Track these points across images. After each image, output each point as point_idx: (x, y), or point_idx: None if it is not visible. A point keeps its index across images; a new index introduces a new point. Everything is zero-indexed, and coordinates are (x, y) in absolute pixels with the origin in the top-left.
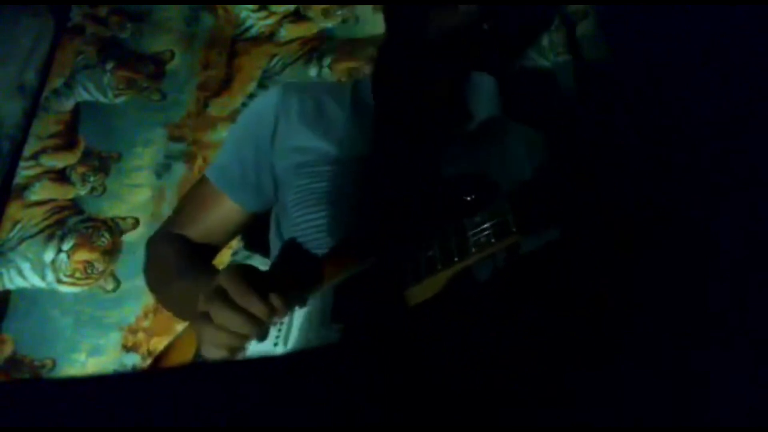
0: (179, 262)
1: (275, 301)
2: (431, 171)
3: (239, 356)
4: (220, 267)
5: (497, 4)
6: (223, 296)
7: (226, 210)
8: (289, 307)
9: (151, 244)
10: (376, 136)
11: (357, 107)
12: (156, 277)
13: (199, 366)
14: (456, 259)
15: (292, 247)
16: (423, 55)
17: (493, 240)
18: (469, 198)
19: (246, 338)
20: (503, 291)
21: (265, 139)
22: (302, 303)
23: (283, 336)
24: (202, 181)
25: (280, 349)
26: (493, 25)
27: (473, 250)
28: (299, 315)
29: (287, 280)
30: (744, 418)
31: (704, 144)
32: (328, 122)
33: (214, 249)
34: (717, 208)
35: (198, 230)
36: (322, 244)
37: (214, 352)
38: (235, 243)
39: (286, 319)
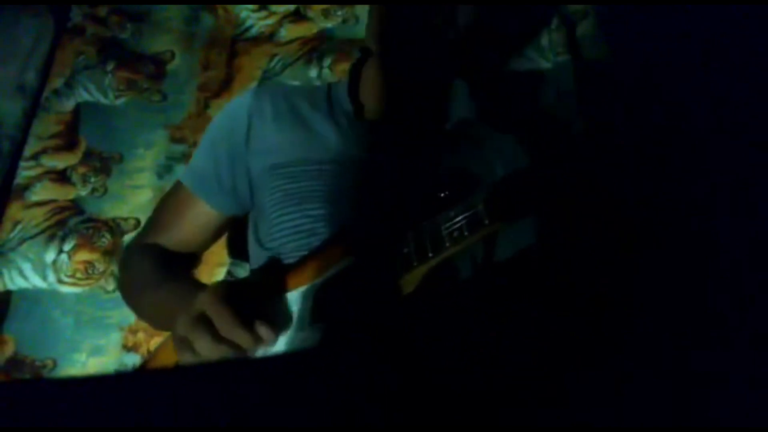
0: (155, 272)
1: (261, 330)
2: (406, 170)
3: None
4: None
5: (498, 4)
6: (205, 324)
7: (202, 215)
8: (275, 334)
9: (125, 255)
10: (351, 137)
11: (332, 109)
12: (131, 288)
13: (198, 366)
14: (431, 254)
15: (271, 250)
16: (400, 58)
17: (466, 233)
18: (443, 195)
19: None
20: (483, 286)
21: (239, 142)
22: (287, 323)
23: None
24: (177, 186)
25: (260, 353)
26: (467, 29)
27: (447, 244)
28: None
29: (268, 287)
30: (744, 418)
31: (704, 144)
32: (303, 123)
33: (192, 257)
34: (717, 207)
35: (174, 237)
36: (299, 246)
37: None
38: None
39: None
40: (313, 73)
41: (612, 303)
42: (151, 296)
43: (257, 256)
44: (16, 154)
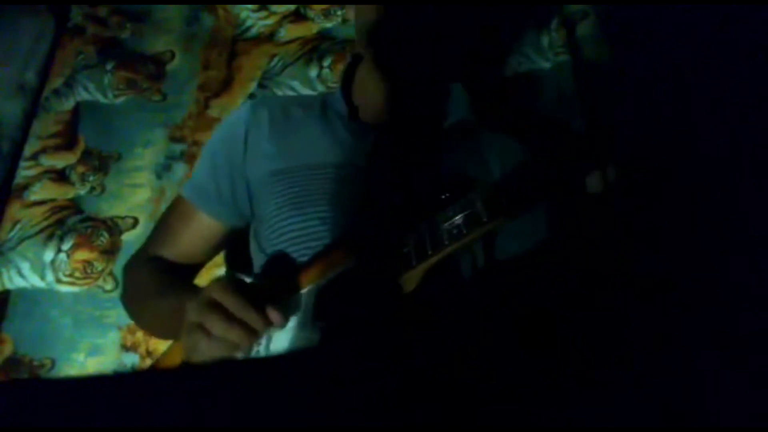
0: (159, 283)
1: (271, 313)
2: (404, 171)
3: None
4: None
5: (498, 4)
6: (218, 308)
7: (203, 227)
8: (285, 319)
9: (128, 268)
10: (347, 141)
11: (327, 115)
12: (135, 301)
13: (199, 366)
14: (430, 252)
15: (273, 256)
16: (391, 60)
17: (465, 231)
18: (444, 197)
19: (242, 349)
20: (483, 284)
21: (237, 154)
22: (288, 314)
23: (264, 343)
24: (178, 200)
25: (262, 354)
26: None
27: (446, 242)
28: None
29: (273, 290)
30: (744, 418)
31: (704, 143)
32: (298, 129)
33: (194, 268)
34: (717, 206)
35: (176, 250)
36: (300, 250)
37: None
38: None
39: None
40: (313, 73)
41: (609, 300)
42: (154, 306)
43: (260, 264)
44: (15, 154)
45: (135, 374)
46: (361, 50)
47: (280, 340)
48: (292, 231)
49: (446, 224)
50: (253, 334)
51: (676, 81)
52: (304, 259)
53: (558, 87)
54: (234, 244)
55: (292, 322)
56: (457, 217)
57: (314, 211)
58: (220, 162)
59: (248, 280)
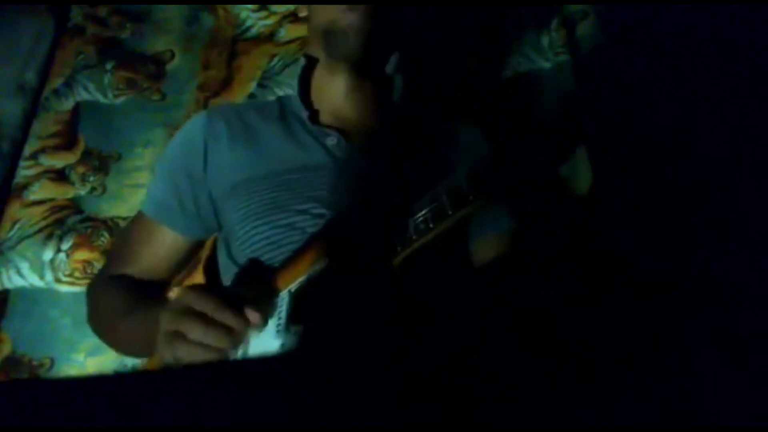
0: (126, 301)
1: (250, 312)
2: (369, 173)
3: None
4: None
5: (498, 4)
6: (193, 313)
7: (168, 242)
8: (264, 319)
9: (92, 291)
10: (307, 145)
11: (286, 119)
12: (103, 322)
13: (199, 366)
14: (399, 248)
15: (244, 266)
16: (352, 57)
17: (431, 224)
18: (404, 195)
19: (223, 352)
20: (485, 288)
21: (197, 167)
22: (266, 316)
23: (242, 351)
24: (139, 217)
25: (252, 353)
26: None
27: (414, 236)
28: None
29: (248, 296)
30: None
31: (704, 143)
32: (257, 138)
33: (160, 285)
34: (717, 206)
35: (141, 266)
36: (271, 257)
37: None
38: None
39: None
40: None
41: (609, 300)
42: (123, 324)
43: (231, 274)
44: (15, 154)
45: (135, 374)
46: (315, 51)
47: (258, 345)
48: (260, 240)
49: (414, 219)
50: (233, 335)
51: (676, 81)
52: (273, 264)
53: (558, 87)
54: (211, 256)
55: (270, 326)
56: (423, 211)
57: (280, 218)
58: (181, 178)
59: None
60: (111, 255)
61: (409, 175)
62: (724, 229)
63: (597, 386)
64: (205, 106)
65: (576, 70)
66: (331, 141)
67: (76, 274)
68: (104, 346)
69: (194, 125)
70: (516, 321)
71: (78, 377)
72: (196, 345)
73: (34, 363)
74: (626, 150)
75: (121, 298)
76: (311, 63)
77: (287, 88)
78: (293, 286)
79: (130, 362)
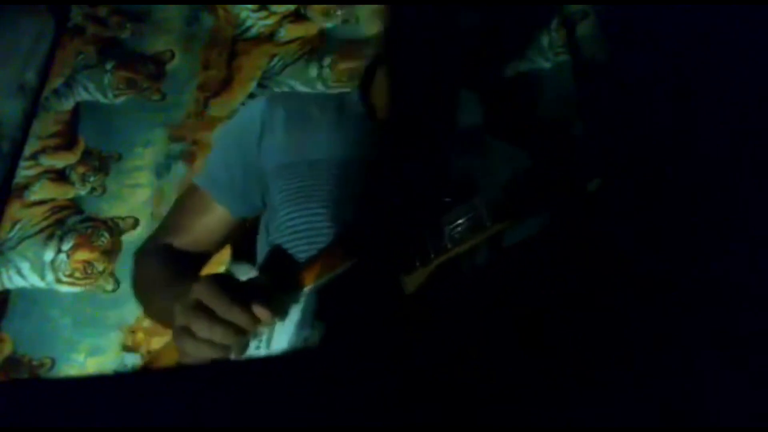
0: (166, 272)
1: (258, 310)
2: (412, 173)
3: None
4: None
5: (498, 4)
6: (202, 309)
7: (214, 216)
8: (273, 315)
9: (138, 257)
10: (359, 139)
11: (343, 113)
12: (144, 290)
13: (199, 366)
14: (432, 255)
15: (276, 249)
16: (409, 63)
17: (468, 235)
18: (447, 200)
19: (232, 349)
20: (486, 288)
21: (251, 145)
22: (284, 310)
23: (266, 340)
24: (191, 188)
25: (262, 353)
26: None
27: (449, 246)
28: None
29: (272, 286)
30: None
31: (704, 143)
32: (312, 125)
33: (202, 257)
34: (717, 206)
35: (185, 238)
36: (305, 244)
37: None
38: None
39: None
40: (313, 72)
41: (609, 300)
42: (160, 294)
43: (264, 255)
44: (15, 154)
45: (135, 374)
46: (379, 49)
47: (281, 338)
48: (295, 225)
49: (450, 227)
50: (241, 333)
51: (676, 81)
52: (305, 253)
53: (558, 87)
54: (242, 235)
55: (293, 320)
56: (460, 221)
57: (318, 206)
58: (234, 154)
59: (248, 276)
60: (162, 221)
61: (450, 182)
62: (724, 229)
63: (597, 386)
64: (205, 106)
65: (576, 70)
66: (383, 138)
67: (77, 274)
68: (104, 346)
69: (254, 106)
70: (516, 321)
71: (78, 377)
72: (202, 342)
73: (35, 363)
74: (626, 150)
75: (163, 268)
76: (377, 61)
77: (287, 88)
78: (322, 281)
79: (130, 362)
